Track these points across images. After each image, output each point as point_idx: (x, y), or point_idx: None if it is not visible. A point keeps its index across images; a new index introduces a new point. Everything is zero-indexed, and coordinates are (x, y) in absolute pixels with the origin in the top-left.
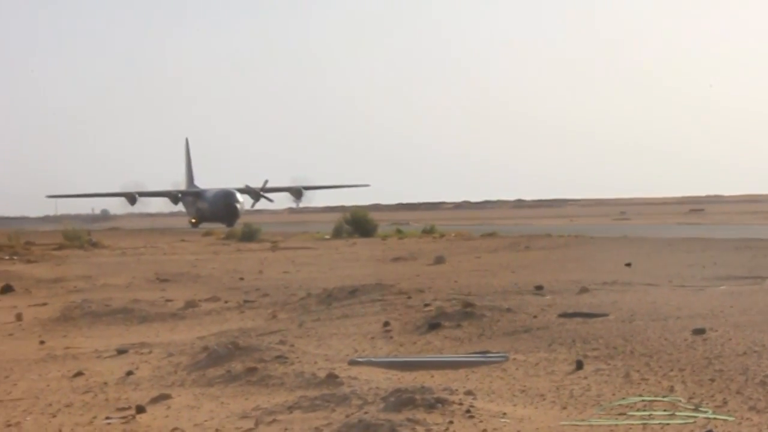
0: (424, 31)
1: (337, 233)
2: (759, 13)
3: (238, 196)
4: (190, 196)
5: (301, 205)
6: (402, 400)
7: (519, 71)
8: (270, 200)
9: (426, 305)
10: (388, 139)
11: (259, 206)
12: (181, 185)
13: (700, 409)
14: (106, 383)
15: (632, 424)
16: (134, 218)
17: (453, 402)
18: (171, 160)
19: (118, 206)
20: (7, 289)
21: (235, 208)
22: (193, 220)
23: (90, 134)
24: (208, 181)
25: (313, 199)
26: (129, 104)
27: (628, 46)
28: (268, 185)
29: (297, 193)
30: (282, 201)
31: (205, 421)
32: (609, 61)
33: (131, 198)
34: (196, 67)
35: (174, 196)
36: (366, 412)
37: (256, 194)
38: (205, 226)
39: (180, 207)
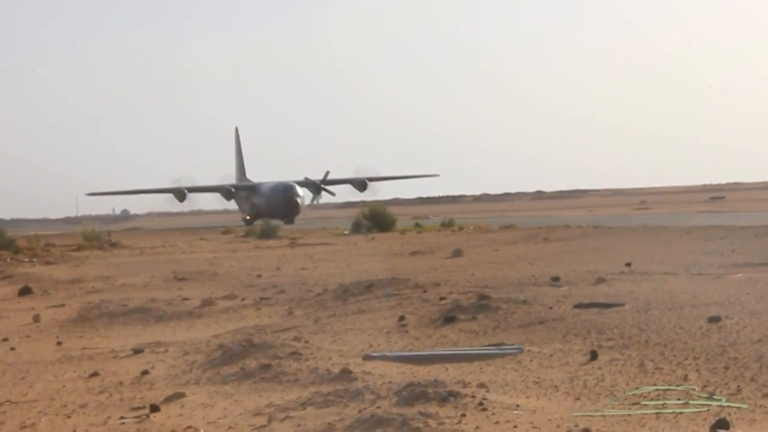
0: (444, 24)
1: (356, 228)
2: None
3: (298, 189)
4: (243, 190)
5: (322, 201)
6: (414, 394)
7: (538, 63)
8: (332, 193)
9: (442, 299)
10: (407, 134)
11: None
12: (231, 179)
13: (714, 397)
14: (121, 383)
15: (645, 414)
16: (154, 218)
17: (466, 395)
18: (217, 154)
19: (165, 204)
20: (26, 291)
21: (296, 202)
22: (248, 217)
23: (121, 131)
24: (261, 174)
25: (379, 191)
26: (169, 95)
27: (648, 34)
28: (330, 177)
29: (361, 184)
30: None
31: (219, 419)
32: (628, 50)
33: (180, 194)
34: (246, 52)
35: (227, 191)
36: (378, 407)
37: (317, 187)
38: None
39: (201, 203)
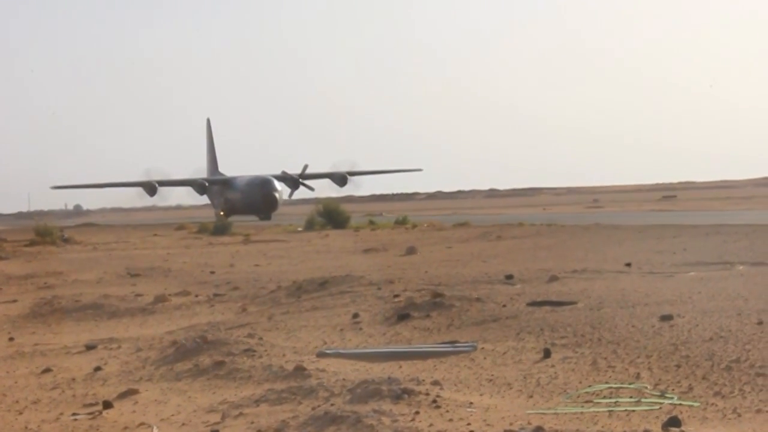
0: (397, 21)
1: (310, 225)
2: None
3: (276, 183)
4: (217, 184)
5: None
6: (368, 392)
7: (492, 61)
8: (311, 188)
9: (395, 296)
10: (361, 130)
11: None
12: (202, 173)
13: (666, 395)
14: (73, 379)
15: (598, 412)
16: (107, 213)
17: (420, 392)
18: (187, 147)
19: (134, 199)
20: None
21: (274, 197)
22: (221, 213)
23: (83, 122)
24: (234, 168)
25: (360, 186)
26: (136, 85)
27: (598, 35)
28: (308, 171)
29: (341, 179)
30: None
31: (172, 415)
32: (580, 50)
33: (150, 188)
34: (219, 41)
35: (200, 185)
36: (332, 404)
37: (294, 182)
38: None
39: (170, 198)
